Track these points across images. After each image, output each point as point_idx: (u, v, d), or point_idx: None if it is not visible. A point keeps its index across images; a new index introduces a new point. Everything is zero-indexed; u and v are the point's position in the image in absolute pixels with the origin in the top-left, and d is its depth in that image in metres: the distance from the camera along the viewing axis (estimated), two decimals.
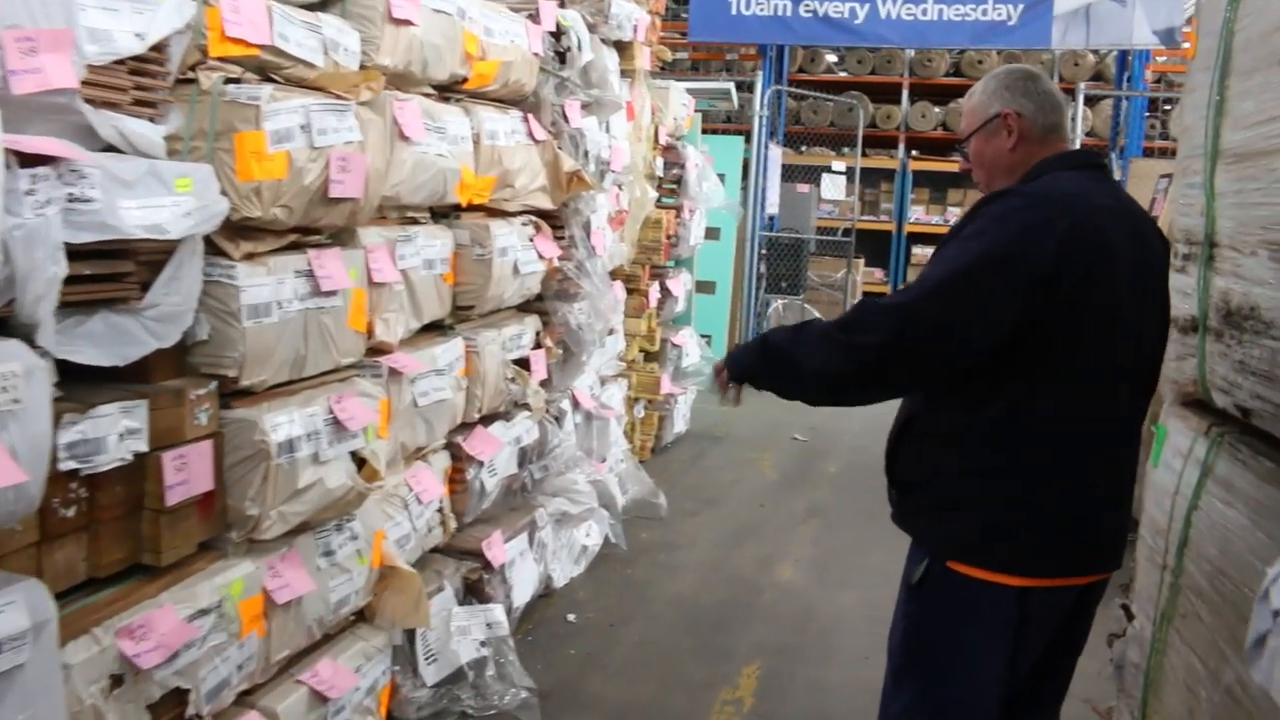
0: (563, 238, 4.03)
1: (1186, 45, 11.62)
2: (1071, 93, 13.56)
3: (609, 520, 4.70)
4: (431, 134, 3.10)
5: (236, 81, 2.33)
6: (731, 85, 8.42)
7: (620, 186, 5.25)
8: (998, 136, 2.13)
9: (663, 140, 5.98)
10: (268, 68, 2.47)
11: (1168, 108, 14.00)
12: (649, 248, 5.86)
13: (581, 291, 4.08)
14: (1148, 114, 11.44)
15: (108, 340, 2.04)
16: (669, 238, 6.12)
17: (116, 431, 2.05)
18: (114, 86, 2.08)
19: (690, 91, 8.64)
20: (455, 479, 3.55)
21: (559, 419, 4.23)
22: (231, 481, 2.38)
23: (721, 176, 8.63)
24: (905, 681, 2.16)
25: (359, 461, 2.75)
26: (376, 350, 3.01)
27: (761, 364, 2.18)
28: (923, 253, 15.49)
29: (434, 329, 3.45)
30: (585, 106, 4.26)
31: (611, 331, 5.42)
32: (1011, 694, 2.04)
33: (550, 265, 3.91)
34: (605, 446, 4.86)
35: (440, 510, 3.44)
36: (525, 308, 3.99)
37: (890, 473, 2.26)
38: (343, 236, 2.88)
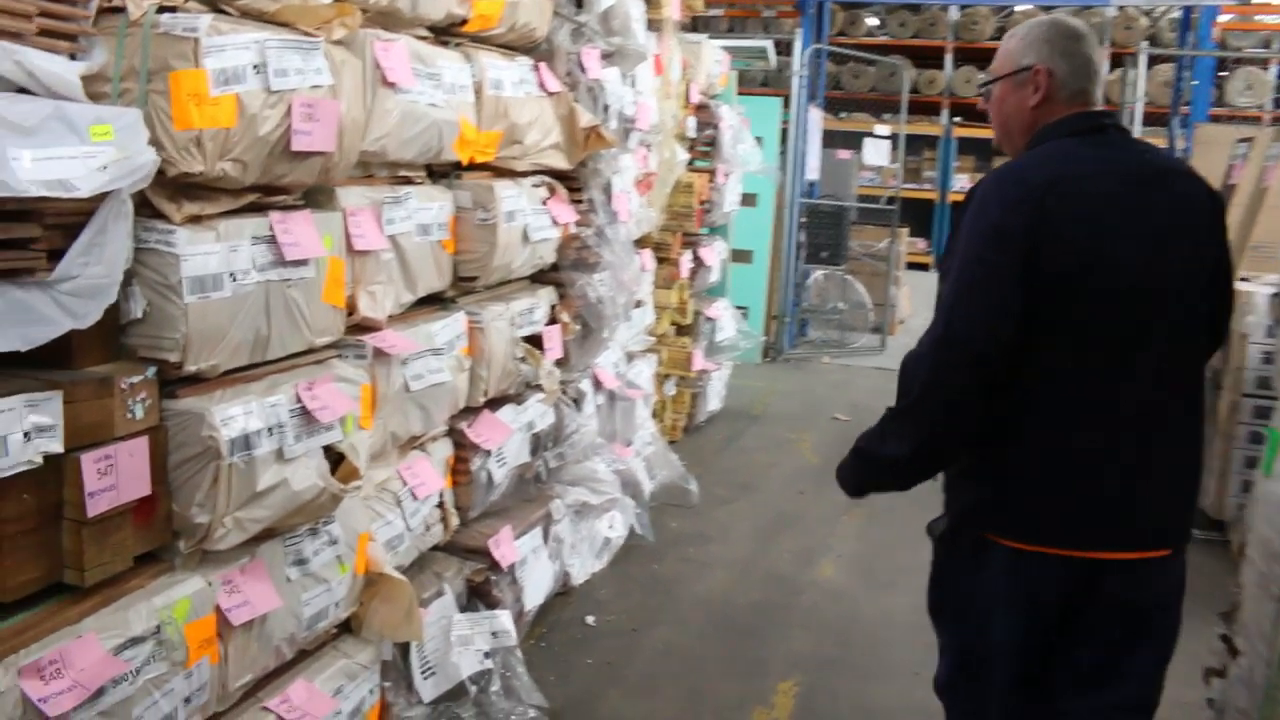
0: (581, 201, 3.64)
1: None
2: (1119, 59, 12.98)
3: (634, 510, 4.33)
4: (423, 80, 2.71)
5: (172, 10, 1.96)
6: (769, 43, 7.95)
7: (649, 147, 4.85)
8: (1023, 89, 2.04)
9: (694, 98, 5.56)
10: None
11: (1223, 73, 13.33)
12: (680, 214, 5.46)
13: (602, 261, 3.69)
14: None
15: (8, 319, 1.68)
16: (702, 203, 5.71)
17: (20, 430, 1.70)
18: (15, 13, 1.72)
19: (725, 50, 8.21)
20: (458, 470, 3.19)
21: (578, 401, 3.85)
22: (177, 484, 2.03)
23: (759, 140, 8.22)
24: (937, 625, 2.24)
25: (336, 458, 2.39)
26: (362, 328, 2.65)
27: (863, 476, 2.24)
28: None
29: (433, 302, 3.09)
30: (606, 57, 3.85)
31: (639, 304, 5.03)
32: (1031, 656, 2.04)
33: (566, 232, 3.53)
34: (631, 429, 4.49)
35: (441, 505, 3.09)
36: (539, 279, 3.62)
37: None
38: (318, 198, 2.51)
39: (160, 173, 1.88)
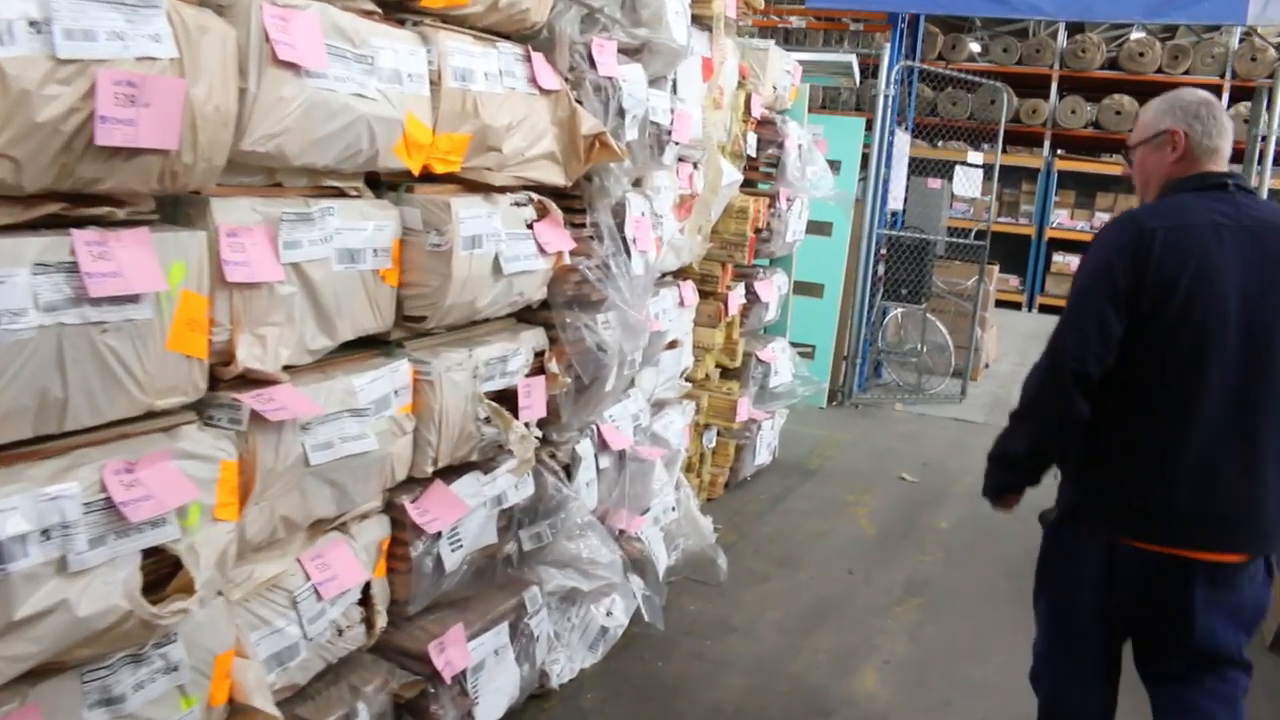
0: (583, 225, 2.98)
1: None
2: (1242, 93, 11.89)
3: (642, 591, 3.66)
4: (345, 64, 2.09)
5: None
6: (853, 58, 7.20)
7: (696, 165, 4.19)
8: (1162, 150, 2.35)
9: (756, 112, 4.88)
10: None
11: None
12: (730, 242, 4.77)
13: (607, 299, 3.03)
14: None
15: None
16: (758, 231, 5.02)
17: None
18: None
19: (804, 64, 7.50)
20: (395, 555, 2.56)
21: (569, 467, 3.19)
22: None
23: (836, 164, 7.49)
24: (1038, 602, 2.54)
25: (168, 566, 1.77)
26: (260, 380, 2.04)
27: (999, 477, 2.51)
28: (1064, 260, 13.94)
29: (374, 346, 2.47)
30: (628, 52, 3.21)
31: (674, 344, 4.36)
32: (1116, 635, 2.40)
33: (559, 262, 2.88)
34: (646, 495, 3.81)
35: (366, 600, 2.46)
36: (525, 318, 2.98)
37: None
38: (188, 212, 1.91)
39: None
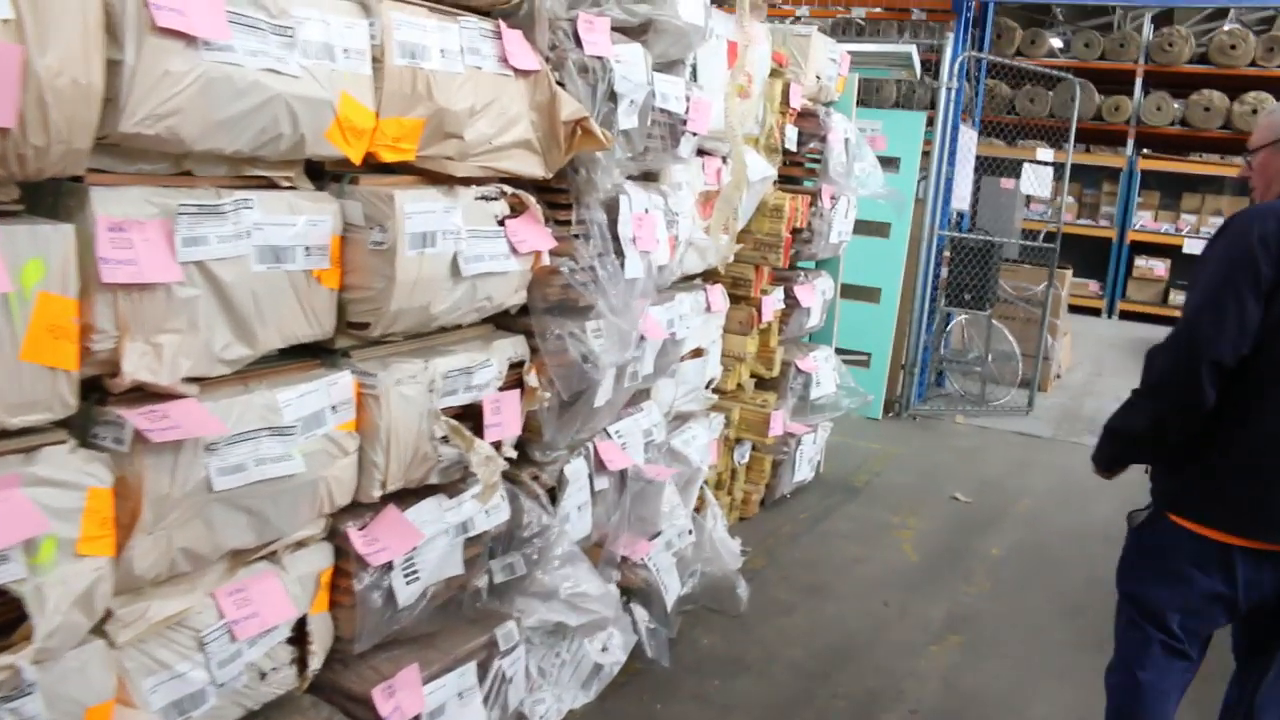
0: (568, 221, 2.70)
1: None
2: None
3: (646, 624, 3.36)
4: (255, 34, 1.83)
5: None
6: (913, 48, 6.81)
7: (725, 159, 3.88)
8: None
9: (795, 103, 4.54)
10: None
11: None
12: (764, 242, 4.44)
13: (596, 305, 2.74)
14: None
15: None
16: (796, 231, 4.68)
17: None
18: None
19: (861, 56, 7.14)
20: (339, 588, 2.30)
21: (554, 491, 2.91)
22: None
23: (895, 161, 7.11)
24: (1122, 590, 2.55)
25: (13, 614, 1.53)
26: (164, 395, 1.80)
27: (1114, 448, 2.51)
28: (1146, 265, 13.28)
29: (318, 356, 2.22)
30: (630, 32, 2.91)
31: (698, 353, 4.06)
32: (1190, 624, 2.41)
33: (538, 263, 2.59)
34: (653, 518, 3.51)
35: (300, 639, 2.20)
36: (503, 325, 2.70)
37: None
38: (67, 203, 1.67)
39: None
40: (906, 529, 4.97)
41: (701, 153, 3.82)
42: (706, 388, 4.21)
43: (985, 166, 7.98)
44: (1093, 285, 13.64)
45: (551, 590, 2.89)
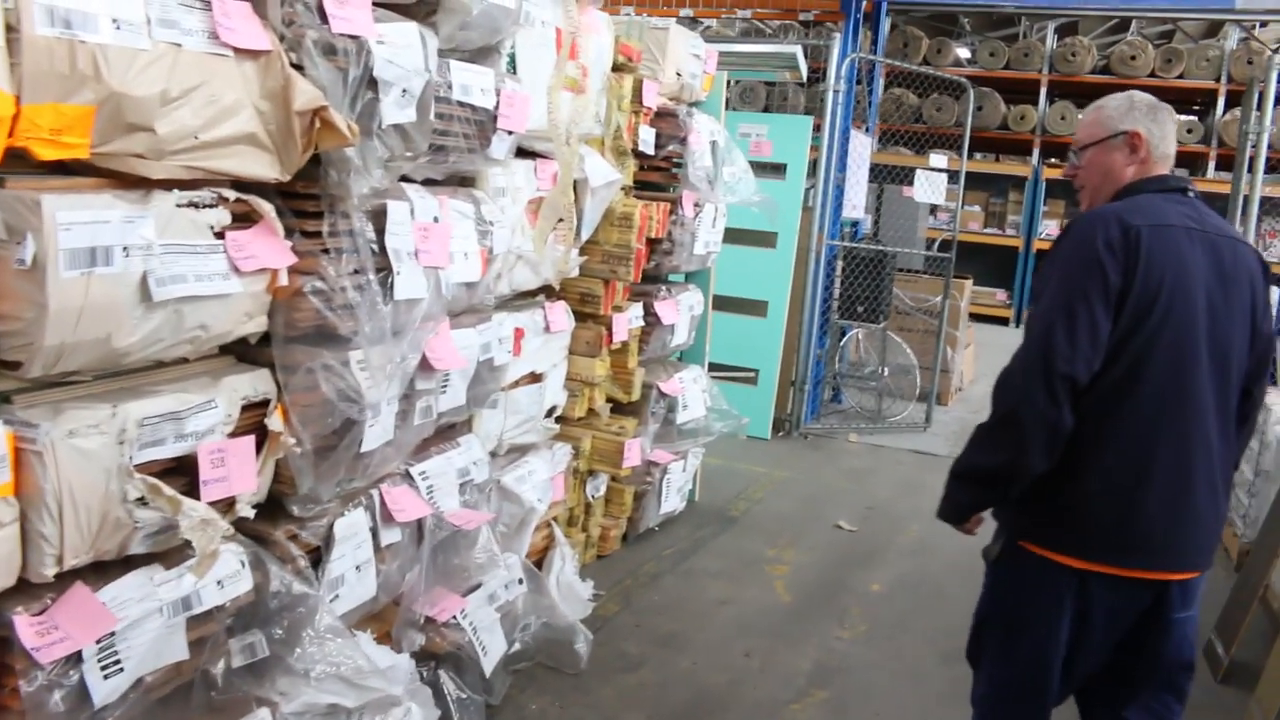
0: (317, 234, 2.25)
1: None
2: (1237, 97, 11.19)
3: (457, 694, 2.92)
4: None
5: None
6: (798, 49, 6.47)
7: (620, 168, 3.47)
8: (1118, 151, 2.27)
9: (650, 101, 4.15)
10: None
11: None
12: (613, 254, 4.03)
13: (356, 334, 2.30)
14: None
15: None
16: (654, 241, 4.29)
17: None
18: None
19: (741, 56, 6.80)
20: (7, 687, 1.83)
21: (319, 553, 2.45)
22: None
23: (780, 167, 6.78)
24: (979, 659, 2.39)
25: None
26: None
27: (965, 496, 2.30)
28: None
29: None
30: (407, 10, 2.48)
31: (535, 378, 3.63)
32: (1074, 679, 2.27)
33: (274, 283, 2.15)
34: (466, 570, 3.07)
35: None
36: (253, 357, 2.25)
37: None
38: None
39: None
40: (781, 563, 4.59)
41: (534, 155, 3.41)
42: (547, 417, 3.79)
43: (890, 175, 7.70)
44: (1000, 294, 13.55)
45: (321, 666, 2.44)
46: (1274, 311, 2.36)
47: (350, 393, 2.29)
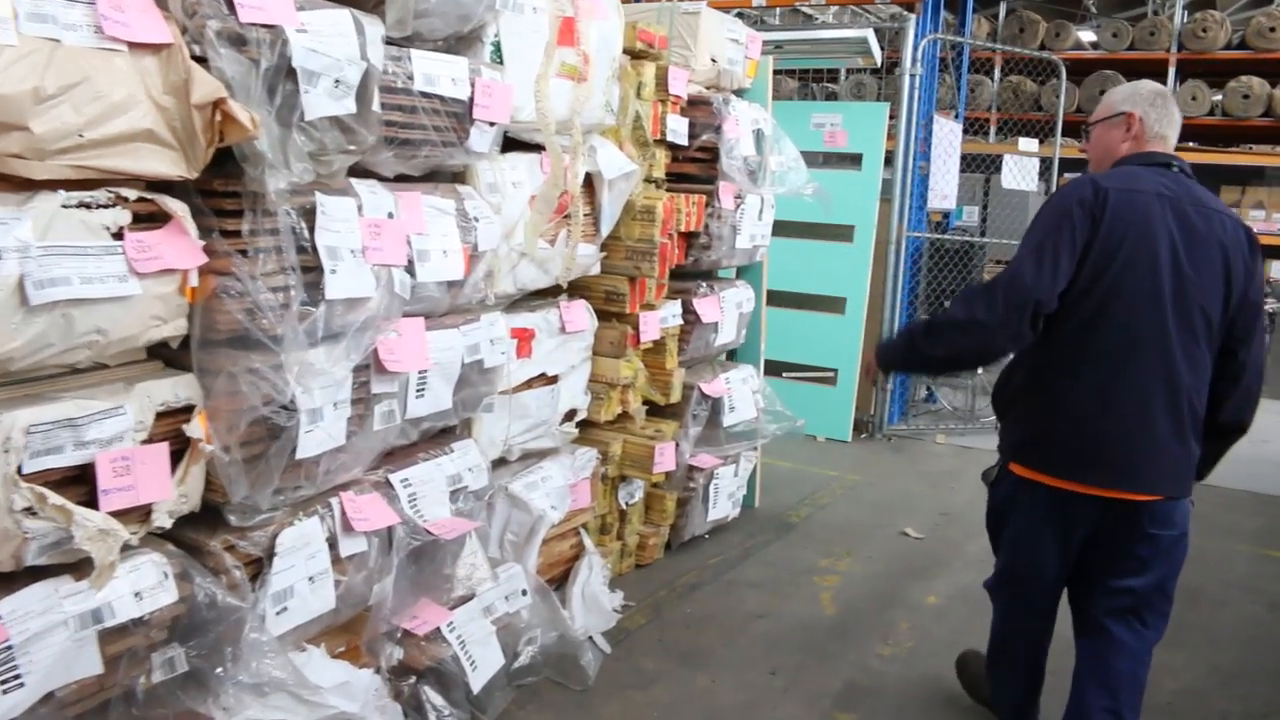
0: (237, 232, 2.16)
1: None
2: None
3: (441, 711, 2.81)
4: None
5: None
6: (869, 33, 6.17)
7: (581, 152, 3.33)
8: (1117, 129, 2.65)
9: (677, 90, 3.97)
10: None
11: None
12: (637, 250, 3.86)
13: (277, 336, 2.20)
14: None
15: None
16: (691, 235, 4.10)
17: None
18: None
19: (814, 44, 6.54)
20: None
21: (260, 564, 2.36)
22: None
23: (856, 158, 6.50)
24: (994, 545, 2.88)
25: None
26: None
27: (898, 360, 2.84)
28: None
29: None
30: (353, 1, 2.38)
31: (550, 380, 3.50)
32: (1060, 578, 2.70)
33: (184, 285, 2.06)
34: (449, 581, 2.95)
35: None
36: (177, 361, 2.17)
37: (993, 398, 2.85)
38: None
39: None
40: (833, 574, 4.34)
41: (540, 148, 3.28)
42: (566, 421, 3.65)
43: (995, 166, 7.30)
44: None
45: (265, 682, 2.35)
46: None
47: (275, 397, 2.19)
